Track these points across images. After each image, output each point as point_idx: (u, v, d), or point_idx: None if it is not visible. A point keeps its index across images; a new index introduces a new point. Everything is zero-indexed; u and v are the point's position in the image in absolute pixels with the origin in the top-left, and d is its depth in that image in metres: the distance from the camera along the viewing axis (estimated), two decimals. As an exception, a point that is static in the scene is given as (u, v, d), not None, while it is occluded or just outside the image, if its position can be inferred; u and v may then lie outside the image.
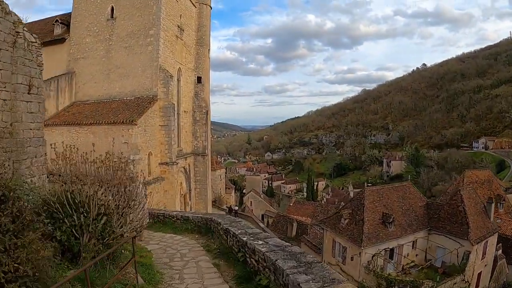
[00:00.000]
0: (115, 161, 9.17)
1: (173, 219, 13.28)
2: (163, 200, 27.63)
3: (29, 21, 30.89)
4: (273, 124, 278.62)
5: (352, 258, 27.55)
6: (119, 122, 24.74)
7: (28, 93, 10.15)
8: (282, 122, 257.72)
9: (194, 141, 36.31)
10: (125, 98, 28.30)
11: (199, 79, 36.83)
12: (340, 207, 36.64)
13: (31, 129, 10.24)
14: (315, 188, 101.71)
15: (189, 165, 34.68)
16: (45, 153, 10.79)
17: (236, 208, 46.10)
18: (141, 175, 19.52)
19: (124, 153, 23.74)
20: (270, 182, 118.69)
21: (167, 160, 27.90)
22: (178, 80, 32.54)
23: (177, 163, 29.24)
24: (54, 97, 28.52)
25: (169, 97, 27.88)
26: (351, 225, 29.04)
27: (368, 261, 26.06)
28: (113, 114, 26.16)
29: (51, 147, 9.37)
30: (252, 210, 61.28)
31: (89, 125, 25.66)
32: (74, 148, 8.84)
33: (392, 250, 28.30)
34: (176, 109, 30.13)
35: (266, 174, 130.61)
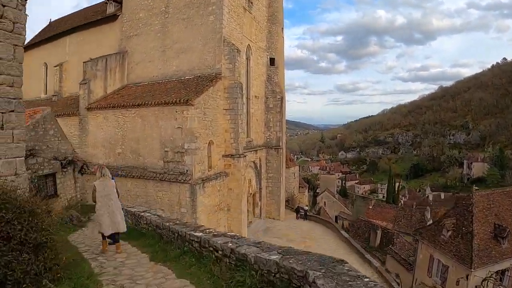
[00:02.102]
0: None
1: (216, 253, 6.71)
2: (226, 200, 22.97)
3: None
4: (346, 122, 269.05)
5: (457, 282, 21.91)
6: (171, 102, 19.99)
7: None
8: (356, 120, 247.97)
9: (266, 131, 31.13)
10: (183, 78, 23.82)
11: (272, 61, 31.71)
12: (444, 214, 29.63)
13: None
14: (395, 190, 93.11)
15: (260, 160, 29.46)
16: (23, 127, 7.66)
17: (306, 208, 40.72)
18: (198, 169, 15.35)
19: (177, 140, 19.26)
20: (343, 182, 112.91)
21: (233, 151, 22.84)
22: (248, 59, 27.58)
23: (245, 156, 24.06)
24: (102, 77, 25.04)
25: (235, 75, 22.74)
26: (456, 238, 23.44)
27: (476, 286, 19.96)
28: (166, 94, 21.60)
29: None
30: (326, 211, 55.79)
31: (137, 107, 21.34)
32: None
33: (503, 272, 22.65)
34: (245, 92, 25.24)
35: (340, 174, 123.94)
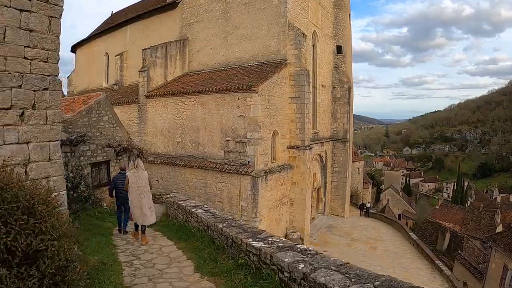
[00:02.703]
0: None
1: (280, 274, 4.98)
2: (290, 194, 21.52)
3: None
4: (411, 117, 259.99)
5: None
6: (234, 89, 18.78)
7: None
8: (422, 115, 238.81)
9: (333, 123, 29.24)
10: (246, 65, 22.69)
11: (339, 49, 29.74)
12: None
13: (26, 58, 6.07)
14: (463, 190, 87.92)
15: (325, 153, 27.70)
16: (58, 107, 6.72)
17: (369, 205, 38.89)
18: (260, 160, 13.60)
19: (239, 129, 17.91)
20: (407, 179, 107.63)
21: (298, 143, 21.29)
22: (314, 46, 25.86)
23: (311, 148, 22.38)
24: (162, 65, 24.56)
25: (301, 61, 21.16)
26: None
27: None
28: (227, 81, 20.43)
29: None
30: (391, 209, 53.34)
31: (197, 94, 20.43)
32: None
33: None
34: (311, 80, 23.63)
35: (404, 170, 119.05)
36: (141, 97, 23.91)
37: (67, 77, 40.08)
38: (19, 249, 3.48)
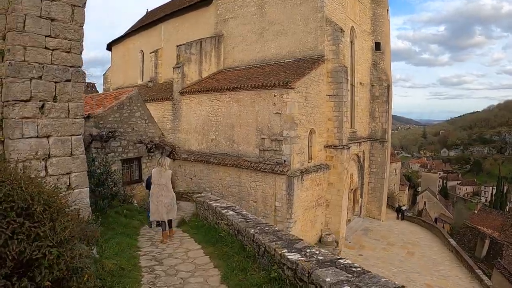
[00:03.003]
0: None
1: None
2: (325, 195, 20.77)
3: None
4: (449, 118, 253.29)
5: None
6: (270, 85, 18.21)
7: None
8: (460, 116, 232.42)
9: (371, 122, 28.26)
10: (282, 61, 22.16)
11: (377, 45, 28.69)
12: None
13: (46, 49, 5.87)
14: (504, 194, 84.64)
15: (363, 153, 26.79)
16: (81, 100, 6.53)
17: (405, 208, 37.90)
18: (296, 160, 13.74)
19: (275, 127, 17.28)
20: (445, 181, 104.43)
21: (336, 142, 20.54)
22: (352, 43, 25.03)
23: (349, 147, 21.60)
24: (196, 61, 24.28)
25: (339, 57, 20.42)
26: None
27: None
28: (263, 77, 19.90)
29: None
30: (428, 212, 51.74)
31: (232, 90, 19.95)
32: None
33: None
34: (349, 78, 22.76)
35: (441, 172, 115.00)
36: (175, 93, 23.72)
37: (103, 75, 40.70)
38: (10, 256, 2.97)
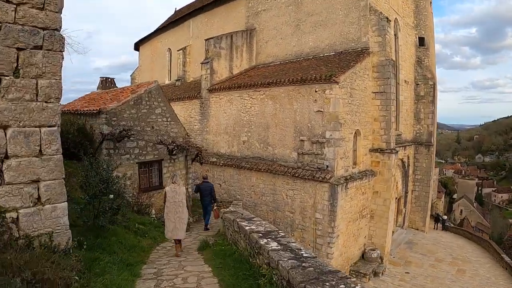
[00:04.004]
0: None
1: None
2: (370, 205, 18.48)
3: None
4: (483, 123, 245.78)
5: None
6: (310, 79, 16.10)
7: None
8: (494, 121, 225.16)
9: (416, 124, 25.71)
10: (321, 55, 20.08)
11: (421, 41, 26.22)
12: None
13: (8, 2, 4.06)
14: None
15: (408, 158, 24.30)
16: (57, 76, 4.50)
17: (445, 217, 35.92)
18: (340, 165, 11.86)
19: (316, 128, 14.93)
20: (480, 188, 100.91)
21: (382, 145, 18.21)
22: (396, 36, 22.66)
23: (397, 152, 19.19)
24: (226, 57, 22.69)
25: (386, 50, 18.11)
26: None
27: None
28: (302, 72, 17.80)
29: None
30: (470, 222, 49.39)
31: (267, 86, 18.02)
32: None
33: None
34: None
35: (476, 179, 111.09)
36: (203, 91, 22.06)
37: (130, 76, 40.16)
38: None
